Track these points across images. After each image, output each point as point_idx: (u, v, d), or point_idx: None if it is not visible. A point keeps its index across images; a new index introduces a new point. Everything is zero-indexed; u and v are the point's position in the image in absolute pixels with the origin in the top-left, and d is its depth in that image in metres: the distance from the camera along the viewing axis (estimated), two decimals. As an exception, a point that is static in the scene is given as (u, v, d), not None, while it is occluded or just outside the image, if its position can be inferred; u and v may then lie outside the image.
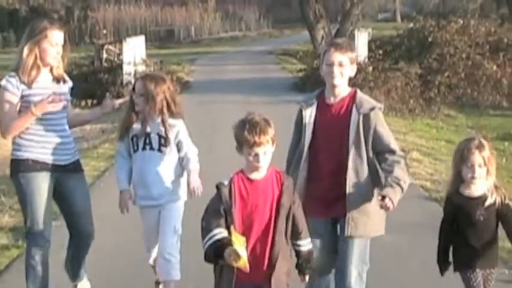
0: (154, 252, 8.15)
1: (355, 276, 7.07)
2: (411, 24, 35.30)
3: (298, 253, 6.32)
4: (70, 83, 8.04)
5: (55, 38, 7.56)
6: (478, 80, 27.80)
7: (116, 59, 30.75)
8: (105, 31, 47.02)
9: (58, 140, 7.71)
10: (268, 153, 6.02)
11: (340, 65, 6.89)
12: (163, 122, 7.81)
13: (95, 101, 27.52)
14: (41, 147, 7.65)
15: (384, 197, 6.65)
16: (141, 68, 30.19)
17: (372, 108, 6.97)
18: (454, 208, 6.90)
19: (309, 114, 7.09)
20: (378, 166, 7.07)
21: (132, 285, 8.73)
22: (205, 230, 5.97)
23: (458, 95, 27.28)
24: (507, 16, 39.80)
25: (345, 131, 6.94)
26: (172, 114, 7.89)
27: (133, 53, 31.33)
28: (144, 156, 7.92)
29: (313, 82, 30.08)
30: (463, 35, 29.84)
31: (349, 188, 6.92)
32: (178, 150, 7.98)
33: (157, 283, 8.27)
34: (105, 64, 30.94)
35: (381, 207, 6.76)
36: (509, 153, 18.69)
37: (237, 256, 5.63)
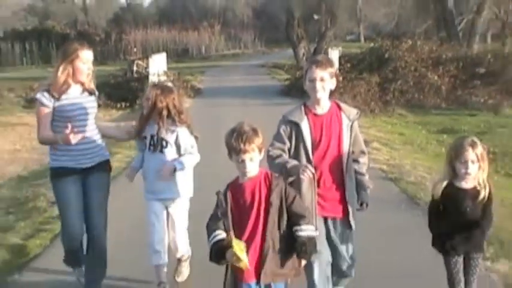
0: (155, 237, 7.38)
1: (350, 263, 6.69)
2: (372, 44, 35.41)
3: (296, 238, 5.43)
4: (96, 93, 7.41)
5: (86, 56, 7.03)
6: (423, 87, 27.86)
7: (143, 71, 30.77)
8: (135, 49, 47.07)
9: (83, 146, 7.02)
10: (255, 160, 5.39)
11: (322, 80, 6.20)
12: (159, 126, 7.14)
13: (127, 104, 27.70)
14: (69, 155, 7.04)
15: (362, 203, 6.38)
16: (163, 78, 30.22)
17: (358, 115, 6.51)
18: (443, 196, 6.12)
19: (305, 129, 6.25)
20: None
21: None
22: (208, 232, 5.42)
23: (408, 98, 27.32)
24: (445, 38, 39.80)
25: (339, 137, 6.31)
26: (174, 122, 7.18)
27: (157, 67, 31.37)
28: (148, 155, 7.31)
29: (296, 88, 31.11)
30: (411, 52, 29.90)
31: (348, 190, 6.35)
32: (179, 153, 7.27)
33: (160, 284, 7.53)
34: (135, 75, 30.95)
35: (358, 210, 6.44)
36: (447, 143, 18.68)
37: (238, 259, 5.15)
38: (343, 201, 6.38)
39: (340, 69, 30.10)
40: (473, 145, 6.00)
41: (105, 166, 7.38)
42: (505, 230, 9.37)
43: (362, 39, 78.03)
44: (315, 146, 6.24)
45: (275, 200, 5.39)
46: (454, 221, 6.09)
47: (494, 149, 18.04)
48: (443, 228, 6.19)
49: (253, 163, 5.38)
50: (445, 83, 28.14)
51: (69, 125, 6.70)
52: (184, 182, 7.41)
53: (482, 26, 43.01)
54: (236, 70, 52.13)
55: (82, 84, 7.10)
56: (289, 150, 6.30)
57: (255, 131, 5.39)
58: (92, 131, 7.17)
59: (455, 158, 6.06)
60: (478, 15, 40.08)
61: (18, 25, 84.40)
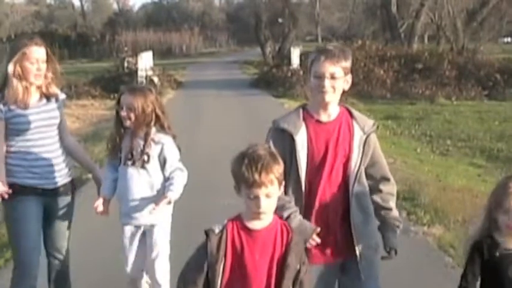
0: (134, 270, 5.35)
1: None
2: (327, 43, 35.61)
3: None
4: (62, 96, 5.34)
5: (34, 55, 4.97)
6: (371, 80, 27.93)
7: (133, 67, 30.62)
8: (126, 48, 46.68)
9: (47, 163, 5.09)
10: (272, 197, 3.35)
11: (333, 77, 4.01)
12: (146, 136, 5.07)
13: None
14: (28, 171, 5.03)
15: (390, 250, 4.15)
16: (150, 72, 30.34)
17: (375, 127, 4.20)
18: (482, 254, 3.73)
19: (301, 140, 4.00)
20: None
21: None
22: (180, 285, 3.47)
23: (359, 89, 27.25)
24: (389, 39, 40.03)
25: (348, 153, 4.06)
26: (162, 128, 5.18)
27: (145, 63, 31.17)
28: (126, 172, 5.16)
29: (263, 81, 31.44)
30: (361, 50, 29.99)
31: (355, 225, 4.05)
32: (163, 168, 5.15)
33: None
34: (126, 70, 30.78)
35: (383, 258, 4.18)
36: (391, 128, 18.75)
37: None
38: (348, 240, 4.09)
39: (301, 65, 30.41)
40: None
41: (69, 187, 5.33)
42: (439, 200, 9.43)
43: (319, 39, 77.83)
44: (313, 164, 4.05)
45: (293, 262, 3.42)
46: None
47: (431, 132, 18.25)
48: None
49: (270, 201, 3.37)
50: (390, 77, 28.27)
51: (6, 191, 4.88)
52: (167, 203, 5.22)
53: (421, 28, 43.23)
54: (212, 66, 51.86)
55: (39, 88, 5.12)
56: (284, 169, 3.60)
57: (273, 157, 3.42)
58: (54, 145, 5.21)
59: (496, 207, 3.74)
60: (417, 20, 40.23)
61: (26, 28, 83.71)
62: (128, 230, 5.28)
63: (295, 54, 32.30)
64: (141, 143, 5.12)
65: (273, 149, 3.61)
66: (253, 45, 73.28)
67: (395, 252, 4.14)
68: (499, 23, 41.47)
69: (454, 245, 7.60)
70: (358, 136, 4.09)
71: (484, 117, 20.98)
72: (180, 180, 5.12)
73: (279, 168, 3.39)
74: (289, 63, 32.30)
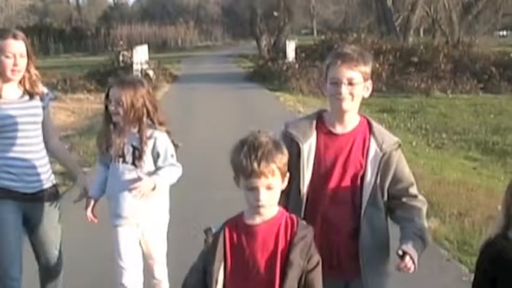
0: (128, 276, 4.80)
1: None
2: (323, 37, 35.66)
3: None
4: (50, 95, 5.08)
5: (10, 49, 4.58)
6: (367, 73, 27.99)
7: (128, 61, 30.56)
8: (121, 42, 46.52)
9: (25, 164, 4.71)
10: (274, 189, 3.06)
11: (350, 83, 3.64)
12: (140, 132, 4.69)
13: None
14: (3, 171, 4.65)
15: (404, 254, 3.52)
16: (145, 66, 30.29)
17: (397, 145, 3.75)
18: (494, 255, 3.19)
19: (308, 150, 3.66)
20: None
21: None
22: None
23: (354, 83, 27.45)
24: (385, 32, 40.03)
25: (359, 170, 3.67)
26: (153, 123, 4.77)
27: (140, 57, 31.16)
28: (116, 170, 4.79)
29: (259, 75, 31.26)
30: (356, 44, 29.89)
31: (363, 248, 3.67)
32: (156, 164, 4.75)
33: None
34: (121, 64, 30.70)
35: (399, 268, 3.54)
36: (387, 121, 18.75)
37: None
38: (353, 261, 3.71)
39: (296, 58, 30.56)
40: None
41: (51, 194, 4.95)
42: (434, 193, 9.44)
43: (315, 33, 77.77)
44: (318, 178, 3.70)
45: (297, 258, 3.08)
46: None
47: (426, 125, 18.28)
48: None
49: (271, 193, 3.07)
50: (385, 70, 28.21)
51: None
52: (162, 202, 4.97)
53: (416, 21, 43.26)
54: (208, 59, 51.79)
55: (21, 84, 4.77)
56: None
57: (276, 145, 3.11)
58: (35, 146, 4.83)
59: None
60: (412, 13, 40.25)
61: (21, 22, 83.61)
62: (120, 232, 4.84)
63: (291, 48, 32.30)
64: (133, 139, 4.73)
65: (277, 138, 3.23)
66: (248, 39, 73.22)
67: (413, 262, 3.55)
68: (494, 16, 41.51)
69: (449, 238, 7.64)
70: (372, 153, 3.68)
71: (479, 110, 21.03)
72: (171, 173, 4.77)
73: (282, 158, 3.08)
74: (285, 56, 32.28)
